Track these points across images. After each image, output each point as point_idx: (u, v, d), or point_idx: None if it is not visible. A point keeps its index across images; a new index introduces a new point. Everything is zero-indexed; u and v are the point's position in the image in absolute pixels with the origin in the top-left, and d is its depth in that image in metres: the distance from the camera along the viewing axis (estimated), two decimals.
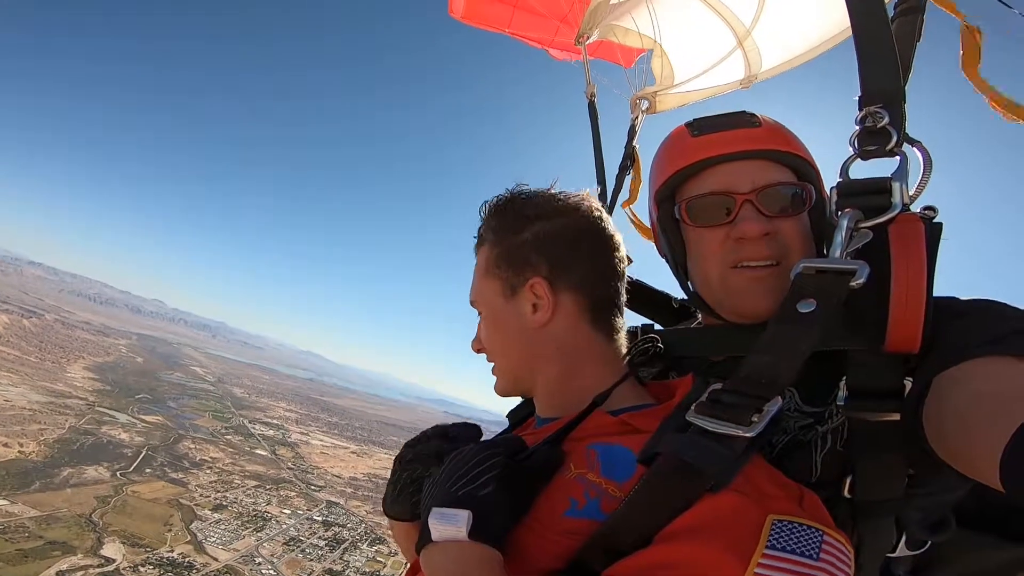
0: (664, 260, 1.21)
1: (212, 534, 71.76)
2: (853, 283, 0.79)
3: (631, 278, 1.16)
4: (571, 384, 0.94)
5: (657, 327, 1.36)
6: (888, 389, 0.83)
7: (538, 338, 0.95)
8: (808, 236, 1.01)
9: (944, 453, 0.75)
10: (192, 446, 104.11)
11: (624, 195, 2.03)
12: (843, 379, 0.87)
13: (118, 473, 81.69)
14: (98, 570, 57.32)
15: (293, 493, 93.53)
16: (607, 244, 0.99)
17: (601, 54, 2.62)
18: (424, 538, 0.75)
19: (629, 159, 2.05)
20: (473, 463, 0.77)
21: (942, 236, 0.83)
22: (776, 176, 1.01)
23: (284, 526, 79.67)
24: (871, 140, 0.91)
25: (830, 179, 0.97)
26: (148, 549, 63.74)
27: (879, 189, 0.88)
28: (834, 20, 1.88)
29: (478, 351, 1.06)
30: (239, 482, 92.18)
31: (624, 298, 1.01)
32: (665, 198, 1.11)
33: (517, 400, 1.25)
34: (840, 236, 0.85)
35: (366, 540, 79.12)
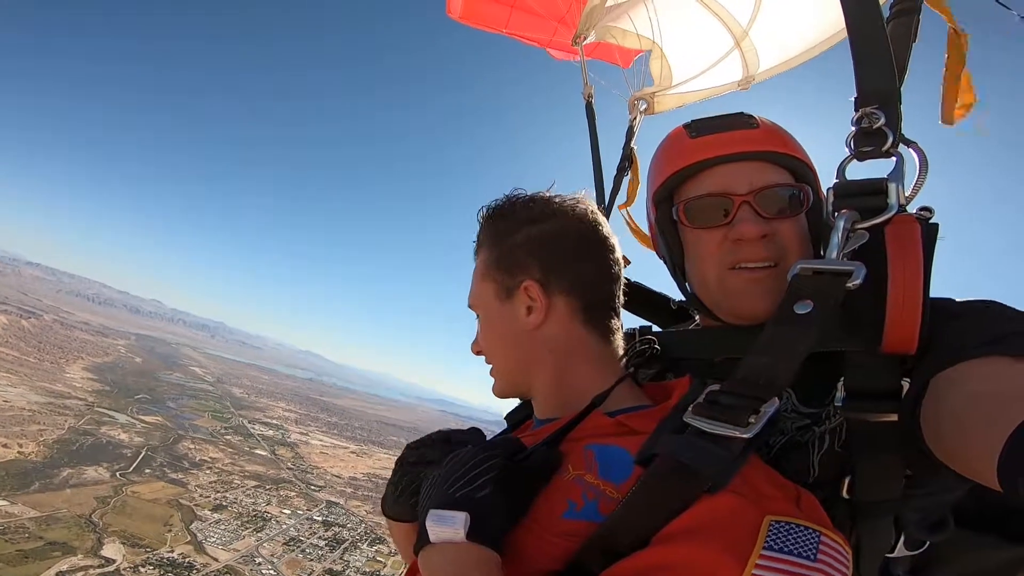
0: (662, 261, 1.22)
1: (212, 534, 71.68)
2: (850, 284, 0.79)
3: (629, 279, 1.16)
4: (567, 385, 0.95)
5: (655, 328, 1.36)
6: (885, 390, 0.83)
7: (533, 340, 0.96)
8: (806, 237, 1.02)
9: (942, 454, 0.75)
10: (191, 446, 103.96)
11: (621, 197, 2.03)
12: (840, 380, 0.87)
13: (118, 473, 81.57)
14: (98, 570, 57.22)
15: (293, 493, 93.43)
16: (601, 246, 0.99)
17: (599, 55, 2.61)
18: (422, 540, 0.75)
19: (627, 160, 2.05)
20: (470, 465, 0.77)
21: (938, 237, 0.83)
22: (774, 177, 1.01)
23: (284, 526, 79.57)
24: (867, 141, 0.91)
25: (827, 180, 0.97)
26: (148, 549, 63.65)
27: (875, 190, 0.88)
28: (831, 21, 1.88)
29: (477, 353, 1.07)
30: (239, 482, 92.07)
31: (620, 300, 1.01)
32: (663, 199, 1.11)
33: (516, 401, 1.26)
34: (837, 237, 0.85)
35: (366, 540, 79.05)
